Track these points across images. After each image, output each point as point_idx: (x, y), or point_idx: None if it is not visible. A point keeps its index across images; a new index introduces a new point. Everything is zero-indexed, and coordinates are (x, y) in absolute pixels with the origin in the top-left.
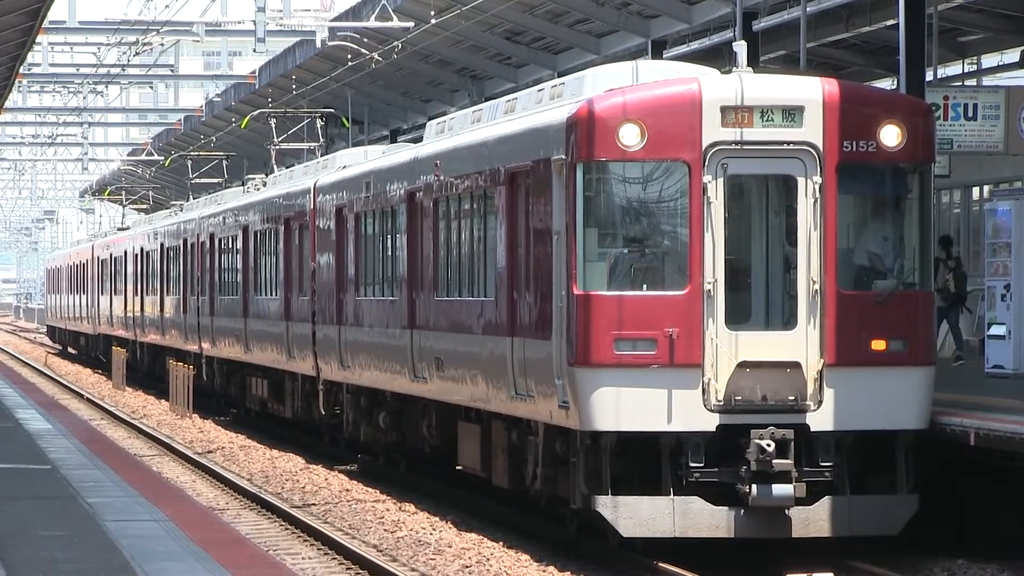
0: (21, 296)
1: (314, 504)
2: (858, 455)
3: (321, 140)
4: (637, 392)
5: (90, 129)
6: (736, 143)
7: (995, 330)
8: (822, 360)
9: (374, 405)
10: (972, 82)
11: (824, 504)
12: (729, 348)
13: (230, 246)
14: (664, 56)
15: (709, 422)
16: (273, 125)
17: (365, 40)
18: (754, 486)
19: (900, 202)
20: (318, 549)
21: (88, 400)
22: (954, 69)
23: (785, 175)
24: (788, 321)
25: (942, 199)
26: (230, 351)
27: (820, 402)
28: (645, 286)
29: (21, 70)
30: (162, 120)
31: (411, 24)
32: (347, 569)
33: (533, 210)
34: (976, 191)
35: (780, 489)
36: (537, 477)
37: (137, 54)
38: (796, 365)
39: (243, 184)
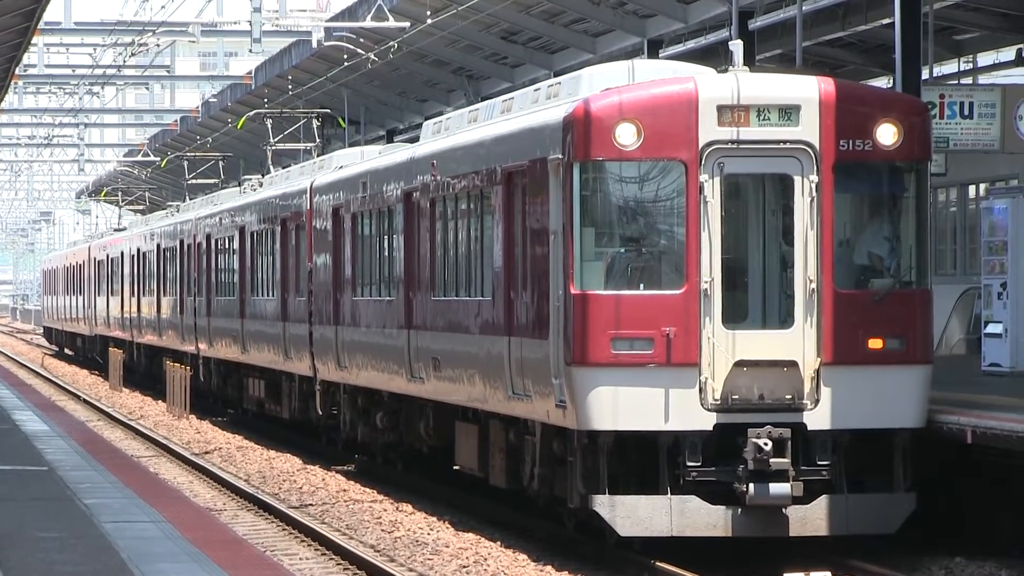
0: (17, 297)
1: (311, 504)
2: (855, 454)
3: (317, 140)
4: (634, 391)
5: (86, 130)
6: (732, 142)
7: (992, 328)
8: (819, 359)
9: (371, 405)
10: (968, 80)
11: (821, 503)
12: (726, 347)
13: (227, 247)
14: (660, 55)
15: (706, 421)
16: (269, 126)
17: (361, 40)
18: (751, 485)
19: (897, 201)
20: (315, 549)
21: (85, 401)
22: (950, 67)
23: (782, 174)
24: (785, 320)
25: (938, 197)
26: (227, 352)
27: (817, 401)
28: (642, 285)
29: (17, 71)
30: (158, 121)
31: (407, 24)
32: (344, 569)
33: (530, 210)
34: (972, 189)
35: (777, 488)
36: (534, 477)
37: (133, 55)
38: (793, 364)
39: (239, 185)
